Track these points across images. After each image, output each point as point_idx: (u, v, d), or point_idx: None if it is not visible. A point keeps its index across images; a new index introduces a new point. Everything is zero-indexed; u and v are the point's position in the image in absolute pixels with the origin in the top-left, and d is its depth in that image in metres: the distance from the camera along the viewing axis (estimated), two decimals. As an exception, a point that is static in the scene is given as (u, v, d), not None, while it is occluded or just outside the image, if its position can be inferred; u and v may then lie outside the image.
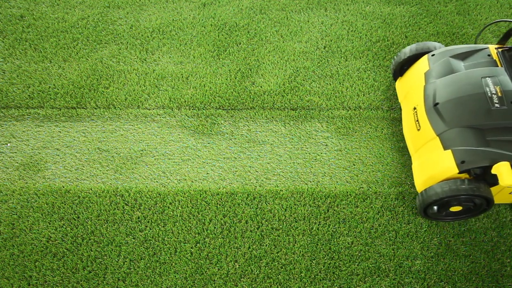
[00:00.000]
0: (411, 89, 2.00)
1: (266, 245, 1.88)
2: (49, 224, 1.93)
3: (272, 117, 2.26)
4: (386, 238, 1.90)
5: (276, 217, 1.94)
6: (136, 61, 2.48)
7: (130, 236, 1.90)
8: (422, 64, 2.02)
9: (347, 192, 2.01)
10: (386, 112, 2.26)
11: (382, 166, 2.09)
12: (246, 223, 1.93)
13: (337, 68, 2.44)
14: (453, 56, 1.95)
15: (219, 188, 2.03)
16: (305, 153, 2.14)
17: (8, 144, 2.18)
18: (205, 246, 1.88)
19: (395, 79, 2.25)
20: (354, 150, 2.14)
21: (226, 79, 2.40)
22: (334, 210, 1.96)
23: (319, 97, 2.33)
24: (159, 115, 2.27)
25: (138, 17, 2.69)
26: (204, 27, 2.63)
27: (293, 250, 1.87)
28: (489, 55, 1.90)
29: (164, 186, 2.04)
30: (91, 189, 2.02)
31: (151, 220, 1.94)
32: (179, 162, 2.12)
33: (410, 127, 1.92)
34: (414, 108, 1.89)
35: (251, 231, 1.91)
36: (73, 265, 1.83)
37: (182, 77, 2.41)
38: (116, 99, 2.32)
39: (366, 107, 2.28)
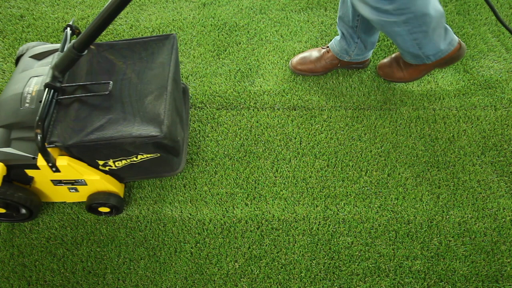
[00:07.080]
0: None
1: (266, 245, 1.88)
2: (49, 224, 1.93)
3: (272, 117, 2.26)
4: (386, 238, 1.90)
5: (276, 217, 1.94)
6: (136, 61, 2.47)
7: (130, 236, 1.90)
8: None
9: (347, 192, 2.01)
10: (387, 112, 2.27)
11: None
12: (246, 223, 1.93)
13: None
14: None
15: (219, 188, 2.03)
16: (305, 153, 2.14)
17: (8, 144, 2.18)
18: (205, 246, 1.88)
19: None
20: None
21: (226, 79, 2.40)
22: (333, 210, 1.96)
23: (319, 97, 2.33)
24: (159, 115, 2.27)
25: (138, 17, 2.69)
26: (204, 27, 2.63)
27: (293, 250, 1.87)
28: None
29: (164, 186, 2.04)
30: (91, 189, 2.02)
31: (151, 220, 1.94)
32: (179, 162, 2.12)
33: None
34: None
35: (251, 231, 1.91)
36: (73, 265, 1.83)
37: (182, 77, 2.41)
38: (116, 99, 2.32)
39: (366, 107, 2.28)
